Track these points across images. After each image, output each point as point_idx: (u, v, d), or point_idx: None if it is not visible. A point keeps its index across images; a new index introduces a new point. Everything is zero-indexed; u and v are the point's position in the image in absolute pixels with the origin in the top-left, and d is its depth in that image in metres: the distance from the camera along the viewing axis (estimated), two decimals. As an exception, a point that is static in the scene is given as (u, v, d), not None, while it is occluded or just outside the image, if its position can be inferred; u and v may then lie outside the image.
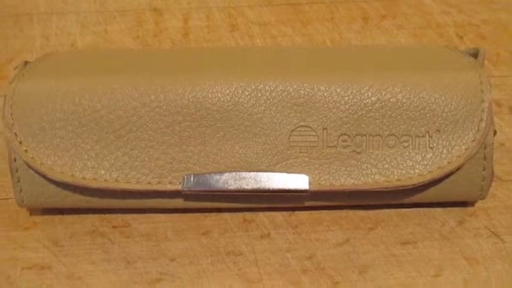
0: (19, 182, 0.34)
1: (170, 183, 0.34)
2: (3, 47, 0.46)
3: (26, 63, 0.37)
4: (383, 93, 0.34)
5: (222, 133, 0.34)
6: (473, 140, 0.33)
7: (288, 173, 0.34)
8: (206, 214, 0.36)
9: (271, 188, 0.33)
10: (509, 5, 0.48)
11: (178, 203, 0.35)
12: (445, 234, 0.36)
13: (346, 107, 0.34)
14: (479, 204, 0.37)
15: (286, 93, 0.34)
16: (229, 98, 0.34)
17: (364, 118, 0.34)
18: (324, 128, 0.34)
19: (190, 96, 0.34)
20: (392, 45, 0.44)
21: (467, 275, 0.34)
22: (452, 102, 0.34)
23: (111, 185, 0.33)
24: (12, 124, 0.34)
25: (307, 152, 0.34)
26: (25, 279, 0.34)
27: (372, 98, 0.34)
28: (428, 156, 0.33)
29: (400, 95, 0.34)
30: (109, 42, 0.46)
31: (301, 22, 0.47)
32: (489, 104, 0.34)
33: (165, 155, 0.34)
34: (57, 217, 0.36)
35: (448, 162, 0.33)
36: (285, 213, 0.36)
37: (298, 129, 0.34)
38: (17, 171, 0.34)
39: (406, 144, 0.34)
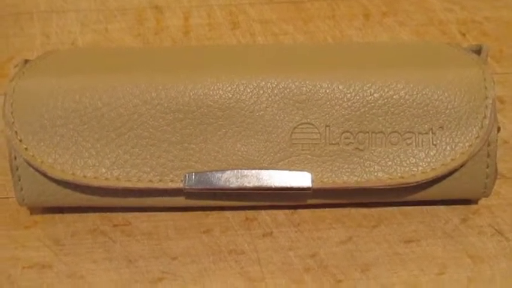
0: (19, 180, 0.34)
1: (171, 181, 0.33)
2: (3, 46, 0.46)
3: (26, 61, 0.37)
4: (386, 90, 0.33)
5: (223, 131, 0.34)
6: (476, 137, 0.33)
7: (290, 170, 0.33)
8: (208, 212, 0.36)
9: (273, 186, 0.33)
10: (511, 1, 0.48)
11: (180, 201, 0.35)
12: (448, 232, 0.35)
13: (349, 104, 0.33)
14: (482, 201, 0.37)
15: (288, 90, 0.34)
16: (230, 95, 0.33)
17: (367, 115, 0.33)
18: (327, 125, 0.34)
19: (191, 94, 0.33)
20: (394, 42, 0.44)
21: (471, 273, 0.34)
22: (455, 99, 0.33)
23: (112, 183, 0.33)
24: (13, 122, 0.33)
25: (309, 150, 0.34)
26: (26, 278, 0.34)
27: (375, 95, 0.33)
28: (431, 154, 0.33)
29: (403, 92, 0.33)
30: (110, 41, 0.46)
31: (302, 20, 0.47)
32: (492, 101, 0.33)
33: (167, 153, 0.33)
34: (57, 216, 0.36)
35: (452, 160, 0.33)
36: (287, 211, 0.36)
37: (300, 126, 0.34)
38: (17, 169, 0.34)
39: (409, 141, 0.33)
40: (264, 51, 0.38)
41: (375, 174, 0.33)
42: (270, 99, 0.34)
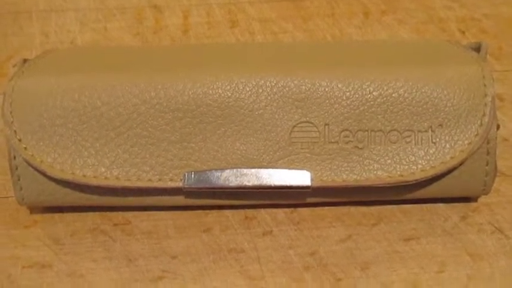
0: (19, 180, 0.34)
1: (171, 180, 0.33)
2: (2, 45, 0.46)
3: (25, 60, 0.36)
4: (385, 88, 0.33)
5: (223, 129, 0.34)
6: (476, 135, 0.33)
7: (289, 169, 0.33)
8: (207, 211, 0.36)
9: (272, 185, 0.33)
10: (511, -1, 0.48)
11: (179, 200, 0.35)
12: (448, 230, 0.35)
13: (348, 102, 0.33)
14: (482, 199, 0.37)
15: (287, 89, 0.34)
16: (230, 94, 0.33)
17: (366, 113, 0.33)
18: (326, 124, 0.34)
19: (190, 93, 0.33)
20: (393, 40, 0.44)
21: (471, 271, 0.34)
22: (454, 97, 0.33)
23: (112, 182, 0.33)
24: (12, 122, 0.33)
25: (308, 148, 0.34)
26: (26, 277, 0.34)
27: (374, 93, 0.33)
28: (431, 152, 0.33)
29: (402, 90, 0.33)
30: (109, 40, 0.46)
31: (302, 18, 0.47)
32: (492, 98, 0.33)
33: (166, 152, 0.33)
34: (57, 215, 0.36)
35: (451, 157, 0.33)
36: (286, 210, 0.36)
37: (299, 125, 0.34)
38: (16, 169, 0.34)
39: (408, 139, 0.33)
40: (263, 49, 0.38)
41: (374, 172, 0.33)
42: (269, 97, 0.34)
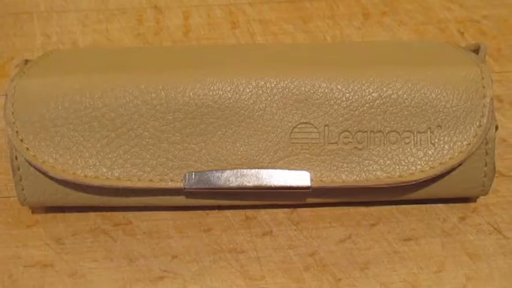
0: (21, 180, 0.34)
1: (172, 180, 0.34)
2: (4, 46, 0.46)
3: (26, 61, 0.37)
4: (384, 89, 0.34)
5: (223, 130, 0.34)
6: (475, 136, 0.33)
7: (289, 169, 0.34)
8: (208, 211, 0.36)
9: (272, 185, 0.33)
10: (509, 0, 0.48)
11: (180, 200, 0.35)
12: (447, 231, 0.35)
13: (348, 103, 0.34)
14: (481, 200, 0.37)
15: (287, 90, 0.34)
16: (230, 95, 0.34)
17: (366, 114, 0.34)
18: (326, 125, 0.34)
19: (191, 94, 0.34)
20: (393, 41, 0.44)
21: (470, 271, 0.34)
22: (453, 98, 0.34)
23: (113, 182, 0.33)
24: (14, 122, 0.34)
25: (308, 149, 0.34)
26: (27, 277, 0.34)
27: (373, 94, 0.34)
28: (430, 152, 0.33)
29: (401, 91, 0.34)
30: (110, 41, 0.46)
31: (301, 19, 0.47)
32: (490, 100, 0.34)
33: (167, 153, 0.34)
34: (59, 215, 0.36)
35: (450, 158, 0.33)
36: (286, 210, 0.36)
37: (299, 126, 0.34)
38: (18, 169, 0.34)
39: (407, 140, 0.34)
40: (263, 50, 0.38)
41: (374, 173, 0.33)
42: (269, 99, 0.34)
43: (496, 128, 0.34)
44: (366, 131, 0.34)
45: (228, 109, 0.34)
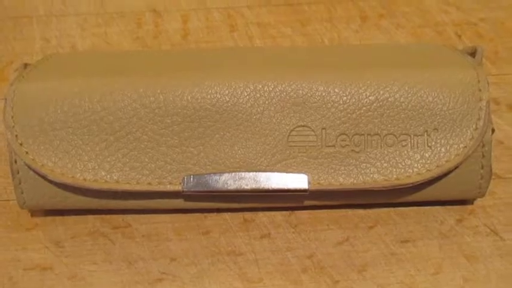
0: (20, 183, 0.35)
1: (170, 183, 0.34)
2: (3, 50, 0.46)
3: (26, 65, 0.37)
4: (381, 92, 0.34)
5: (221, 133, 0.34)
6: (471, 139, 0.33)
7: (287, 172, 0.34)
8: (206, 214, 0.37)
9: (270, 188, 0.34)
10: (507, 3, 0.48)
11: (179, 203, 0.35)
12: (444, 233, 0.36)
13: (345, 106, 0.34)
14: (478, 202, 0.37)
15: (285, 93, 0.34)
16: (228, 99, 0.34)
17: (363, 117, 0.34)
18: (323, 128, 0.34)
19: (189, 97, 0.34)
20: (390, 44, 0.45)
21: (467, 272, 0.34)
22: (450, 101, 0.34)
23: (112, 186, 0.34)
24: (13, 126, 0.34)
25: (306, 152, 0.34)
26: (27, 280, 0.34)
27: (370, 98, 0.34)
28: (426, 155, 0.34)
29: (398, 94, 0.34)
30: (109, 44, 0.46)
31: (300, 22, 0.48)
32: (487, 103, 0.34)
33: (165, 156, 0.34)
34: (58, 218, 0.37)
35: (447, 161, 0.33)
36: (284, 212, 0.37)
37: (297, 129, 0.34)
38: (18, 172, 0.34)
39: (404, 143, 0.34)
40: (261, 54, 0.39)
41: (371, 176, 0.34)
42: (267, 102, 0.34)
43: (493, 130, 0.34)
44: (363, 134, 0.34)
45: (226, 112, 0.34)
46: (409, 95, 0.34)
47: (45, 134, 0.34)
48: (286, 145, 0.34)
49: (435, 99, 0.34)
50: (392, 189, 0.34)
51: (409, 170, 0.33)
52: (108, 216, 0.37)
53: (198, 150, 0.34)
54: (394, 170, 0.34)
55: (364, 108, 0.34)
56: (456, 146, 0.34)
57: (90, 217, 0.37)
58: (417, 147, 0.34)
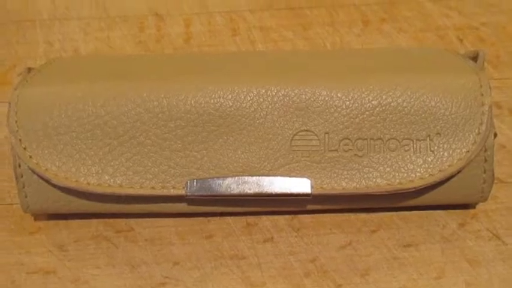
0: (24, 187, 0.35)
1: (174, 188, 0.34)
2: (6, 53, 0.46)
3: (29, 69, 0.37)
4: (384, 97, 0.34)
5: (224, 138, 0.34)
6: (473, 143, 0.34)
7: (290, 177, 0.34)
8: (209, 218, 0.37)
9: (273, 192, 0.34)
10: (508, 7, 0.48)
11: (182, 207, 0.35)
12: (446, 237, 0.36)
13: (348, 111, 0.34)
14: (480, 206, 0.37)
15: (288, 98, 0.34)
16: (231, 103, 0.34)
17: (365, 122, 0.34)
18: (326, 132, 0.34)
19: (192, 102, 0.34)
20: (392, 48, 0.45)
21: (469, 277, 0.34)
22: (452, 106, 0.34)
23: (115, 190, 0.34)
24: (17, 130, 0.34)
25: (309, 156, 0.34)
26: (30, 283, 0.34)
27: (373, 102, 0.34)
28: (429, 160, 0.34)
29: (400, 99, 0.34)
30: (111, 48, 0.47)
31: (302, 26, 0.48)
32: (489, 107, 0.34)
33: (168, 160, 0.34)
34: (61, 222, 0.37)
35: (449, 165, 0.34)
36: (287, 216, 0.37)
37: (300, 133, 0.34)
38: (21, 177, 0.35)
39: (407, 147, 0.34)
40: (264, 58, 0.39)
41: (374, 180, 0.34)
42: (270, 106, 0.34)
43: (495, 135, 0.34)
44: (366, 139, 0.34)
45: (230, 117, 0.34)
46: (412, 99, 0.34)
47: (49, 139, 0.34)
48: (289, 149, 0.34)
49: (438, 104, 0.34)
50: (395, 193, 0.34)
51: (411, 175, 0.34)
52: (111, 220, 0.37)
53: (202, 154, 0.34)
54: (397, 174, 0.34)
55: (367, 112, 0.34)
56: (459, 151, 0.34)
57: (94, 221, 0.37)
58: (420, 152, 0.34)
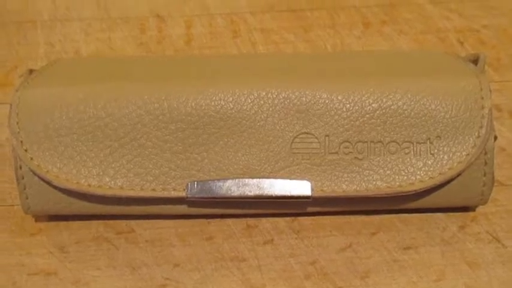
0: (25, 189, 0.35)
1: (174, 190, 0.34)
2: (7, 54, 0.46)
3: (30, 71, 0.37)
4: (384, 100, 0.34)
5: (225, 140, 0.34)
6: (473, 146, 0.34)
7: (290, 179, 0.34)
8: (210, 220, 0.37)
9: (273, 195, 0.34)
10: (509, 10, 0.49)
11: (182, 209, 0.35)
12: (446, 239, 0.36)
13: (348, 114, 0.34)
14: (480, 209, 0.37)
15: (288, 100, 0.34)
16: (232, 106, 0.34)
17: (366, 125, 0.34)
18: (326, 135, 0.34)
19: (193, 104, 0.34)
20: (393, 51, 0.45)
21: (469, 279, 0.34)
22: (452, 109, 0.34)
23: (116, 192, 0.34)
24: (18, 132, 0.34)
25: (309, 159, 0.34)
26: (31, 285, 0.34)
27: (373, 105, 0.34)
28: (429, 163, 0.34)
29: (400, 102, 0.34)
30: (112, 49, 0.47)
31: (302, 28, 0.48)
32: (489, 111, 0.34)
33: (169, 162, 0.34)
34: (62, 223, 0.37)
35: (449, 168, 0.34)
36: (287, 219, 0.37)
37: (300, 136, 0.34)
38: (23, 178, 0.35)
39: (407, 150, 0.34)
40: (264, 61, 0.39)
41: (374, 183, 0.34)
42: (270, 109, 0.34)
43: (495, 138, 0.35)
44: (366, 141, 0.34)
45: (230, 119, 0.34)
46: (412, 102, 0.34)
47: (50, 140, 0.34)
48: (290, 152, 0.34)
49: (438, 107, 0.34)
50: (395, 196, 0.34)
51: (411, 178, 0.34)
52: (111, 222, 0.37)
53: (202, 156, 0.34)
54: (397, 177, 0.34)
55: (367, 115, 0.34)
56: (459, 154, 0.34)
57: (94, 222, 0.37)
58: (420, 155, 0.34)
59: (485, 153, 0.34)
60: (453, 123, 0.34)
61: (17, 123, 0.34)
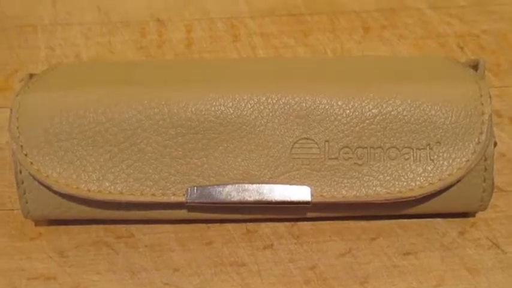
0: (25, 193, 0.35)
1: (174, 195, 0.34)
2: (8, 58, 0.46)
3: (31, 75, 0.37)
4: (384, 106, 0.34)
5: (225, 145, 0.34)
6: (473, 152, 0.34)
7: (290, 184, 0.34)
8: (209, 225, 0.37)
9: (273, 200, 0.34)
10: (509, 15, 0.49)
11: (182, 214, 0.35)
12: (446, 245, 0.36)
13: (348, 119, 0.34)
14: (480, 214, 0.37)
15: (288, 106, 0.34)
16: (232, 111, 0.34)
17: (366, 131, 0.34)
18: (326, 141, 0.34)
19: (193, 109, 0.34)
20: (393, 57, 0.45)
21: (469, 285, 0.34)
22: (452, 115, 0.34)
23: (116, 197, 0.34)
24: (18, 137, 0.34)
25: (309, 164, 0.34)
26: (30, 289, 0.34)
27: (373, 111, 0.34)
28: (429, 169, 0.34)
29: (400, 108, 0.34)
30: (113, 53, 0.47)
31: (302, 33, 0.48)
32: (489, 117, 0.34)
33: (169, 167, 0.34)
34: (62, 228, 0.37)
35: (449, 174, 0.34)
36: (287, 224, 0.37)
37: (300, 141, 0.34)
38: (22, 183, 0.35)
39: (407, 156, 0.34)
40: (264, 66, 0.39)
41: (374, 188, 0.34)
42: (270, 114, 0.34)
43: (495, 144, 0.35)
44: (366, 147, 0.34)
45: (230, 124, 0.34)
46: (412, 108, 0.34)
47: (50, 145, 0.34)
48: (290, 157, 0.34)
49: (438, 113, 0.34)
50: (395, 201, 0.34)
51: (411, 183, 0.34)
52: (111, 226, 0.37)
53: (202, 161, 0.34)
54: (397, 183, 0.34)
55: (367, 121, 0.34)
56: (458, 160, 0.34)
57: (94, 227, 0.37)
58: (420, 161, 0.34)
59: (485, 159, 0.34)
60: (453, 129, 0.34)
61: (17, 127, 0.34)
